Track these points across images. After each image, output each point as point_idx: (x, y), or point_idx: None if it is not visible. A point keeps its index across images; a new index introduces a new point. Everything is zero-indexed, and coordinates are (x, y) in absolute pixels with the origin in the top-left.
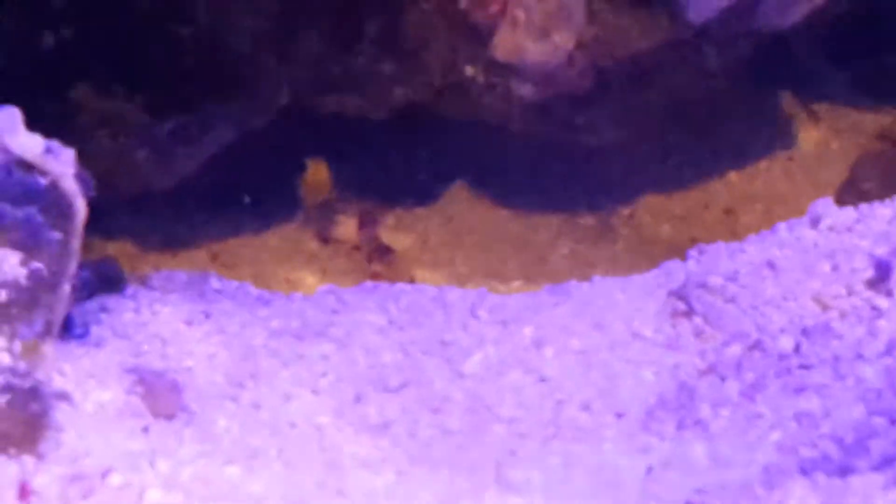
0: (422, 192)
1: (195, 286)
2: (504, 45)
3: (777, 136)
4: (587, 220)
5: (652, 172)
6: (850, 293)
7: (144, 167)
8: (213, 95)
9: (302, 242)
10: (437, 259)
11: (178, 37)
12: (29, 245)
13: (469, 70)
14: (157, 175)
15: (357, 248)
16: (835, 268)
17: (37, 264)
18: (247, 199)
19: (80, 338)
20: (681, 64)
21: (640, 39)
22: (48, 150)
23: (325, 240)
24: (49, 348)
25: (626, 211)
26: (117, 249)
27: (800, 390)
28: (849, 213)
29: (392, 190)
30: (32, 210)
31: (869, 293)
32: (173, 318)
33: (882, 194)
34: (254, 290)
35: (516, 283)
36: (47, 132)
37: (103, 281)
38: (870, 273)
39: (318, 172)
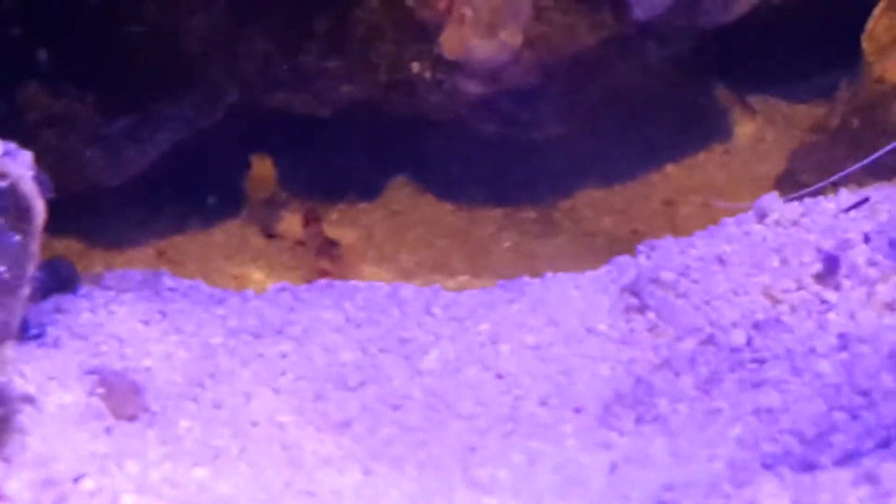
0: (365, 187)
1: (149, 285)
2: (451, 42)
3: (713, 129)
4: (529, 213)
5: (591, 165)
6: (800, 287)
7: (93, 165)
8: (163, 94)
9: (247, 238)
10: (382, 254)
11: (129, 36)
12: None
13: (416, 67)
14: (105, 173)
15: (301, 243)
16: (784, 262)
17: None
18: (211, 200)
19: (37, 339)
20: (623, 59)
21: (586, 37)
22: (6, 153)
23: (269, 235)
24: (9, 350)
25: (567, 204)
26: (65, 247)
27: (757, 385)
28: (795, 207)
29: (336, 184)
30: None
31: (818, 287)
32: (130, 318)
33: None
34: (206, 288)
35: (462, 278)
36: None
37: (57, 280)
38: (818, 267)
39: (263, 168)
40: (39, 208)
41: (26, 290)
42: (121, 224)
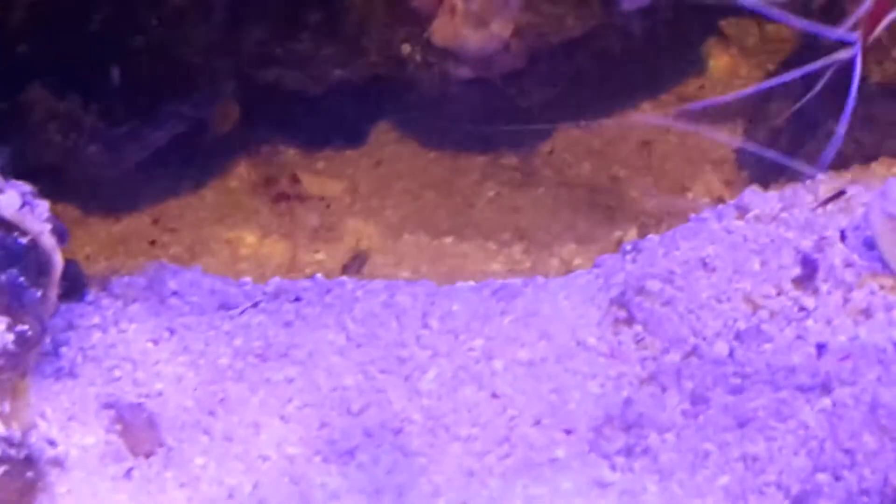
0: (350, 133)
1: (154, 290)
2: (442, 31)
3: (688, 62)
4: (510, 160)
5: (569, 108)
6: (779, 292)
7: (95, 161)
8: (165, 99)
9: (237, 197)
10: (368, 207)
11: (131, 49)
12: (13, 308)
13: (406, 49)
14: (106, 167)
15: (286, 195)
16: (764, 264)
17: (22, 327)
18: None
19: (53, 363)
20: (608, 35)
21: (574, 26)
22: (25, 204)
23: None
24: (31, 397)
25: (546, 148)
26: (61, 212)
27: (742, 424)
28: (773, 201)
29: (321, 131)
30: (14, 272)
31: (796, 292)
32: (139, 337)
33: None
34: (206, 282)
35: (448, 240)
36: None
37: (64, 284)
38: (797, 271)
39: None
40: (58, 260)
41: (47, 340)
42: (116, 189)
